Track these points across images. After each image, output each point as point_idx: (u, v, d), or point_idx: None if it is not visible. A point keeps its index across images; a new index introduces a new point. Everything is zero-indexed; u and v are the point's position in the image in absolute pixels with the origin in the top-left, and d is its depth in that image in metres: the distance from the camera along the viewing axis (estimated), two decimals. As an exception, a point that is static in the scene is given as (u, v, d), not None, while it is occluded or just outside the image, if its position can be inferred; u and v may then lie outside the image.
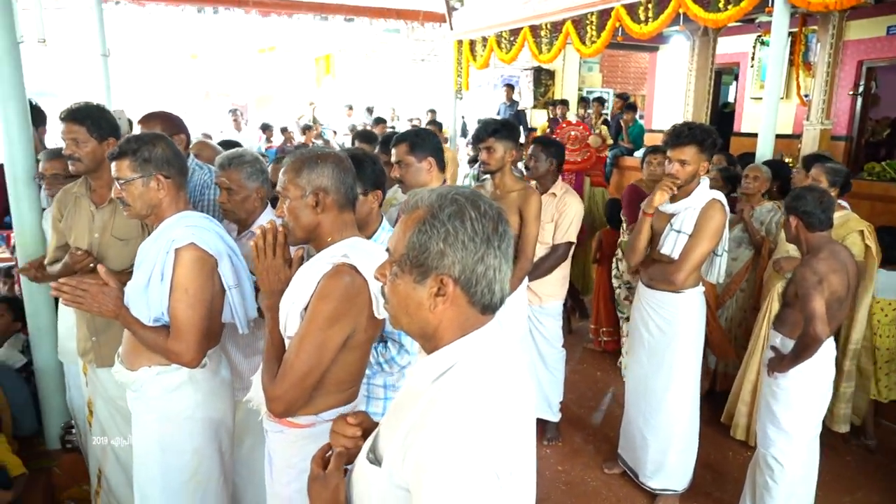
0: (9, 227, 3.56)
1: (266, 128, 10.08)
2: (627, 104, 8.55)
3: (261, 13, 8.12)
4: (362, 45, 12.36)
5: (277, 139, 10.09)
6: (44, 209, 2.89)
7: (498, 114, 9.90)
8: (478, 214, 1.06)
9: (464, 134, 10.72)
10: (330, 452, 1.31)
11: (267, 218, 2.45)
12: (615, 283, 4.58)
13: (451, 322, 1.09)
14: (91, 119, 2.29)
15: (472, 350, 1.08)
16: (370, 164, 2.07)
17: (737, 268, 3.92)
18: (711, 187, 2.89)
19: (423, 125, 8.71)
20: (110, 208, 2.32)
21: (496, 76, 12.80)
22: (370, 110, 13.40)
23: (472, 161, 8.21)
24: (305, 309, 1.58)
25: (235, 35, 11.39)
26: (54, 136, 3.87)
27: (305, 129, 10.16)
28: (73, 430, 3.10)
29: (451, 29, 8.46)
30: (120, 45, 8.12)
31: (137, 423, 2.05)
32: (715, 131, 2.83)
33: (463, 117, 10.81)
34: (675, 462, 3.06)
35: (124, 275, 2.04)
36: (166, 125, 2.71)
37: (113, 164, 1.87)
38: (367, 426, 1.35)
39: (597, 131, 6.99)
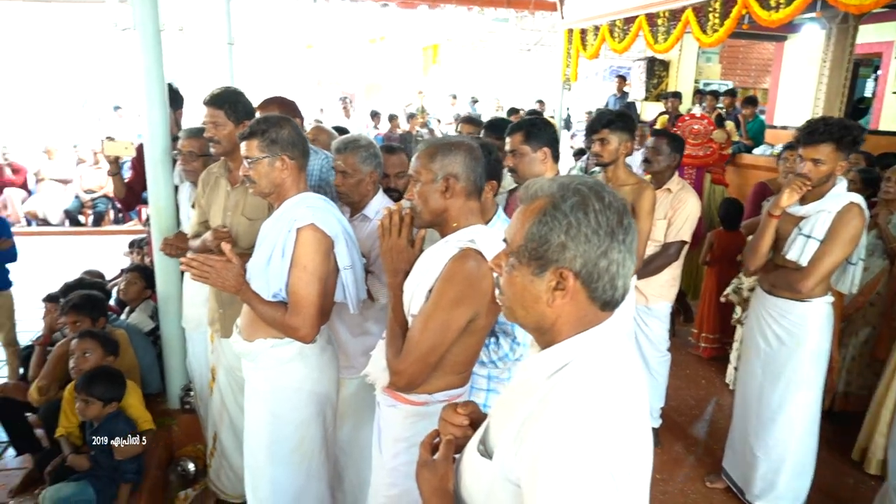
0: (144, 202, 3.87)
1: (375, 115, 10.35)
2: (747, 98, 8.01)
3: (375, 1, 8.28)
4: (470, 35, 12.36)
5: (384, 126, 10.33)
6: (176, 186, 3.10)
7: (606, 105, 9.59)
8: (602, 206, 1.02)
9: (567, 126, 10.49)
10: (438, 439, 1.32)
11: (378, 202, 2.51)
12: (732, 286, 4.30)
13: (568, 317, 1.06)
14: (229, 103, 2.45)
15: (591, 347, 1.05)
16: (486, 153, 2.07)
17: (867, 279, 3.57)
18: (849, 190, 2.64)
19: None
20: (243, 189, 2.46)
21: (603, 67, 12.41)
22: (474, 100, 13.43)
23: (578, 154, 8.01)
24: (431, 290, 1.64)
25: (348, 25, 11.73)
26: (189, 119, 4.15)
27: (410, 117, 10.34)
28: (191, 393, 3.33)
29: (562, 18, 8.27)
30: (244, 35, 8.57)
31: (250, 392, 2.18)
32: (858, 127, 2.57)
33: (567, 109, 10.57)
34: (788, 483, 2.85)
35: (246, 254, 2.16)
36: (283, 110, 2.83)
37: (243, 144, 1.98)
38: (476, 417, 1.35)
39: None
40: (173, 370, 3.32)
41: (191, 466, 3.13)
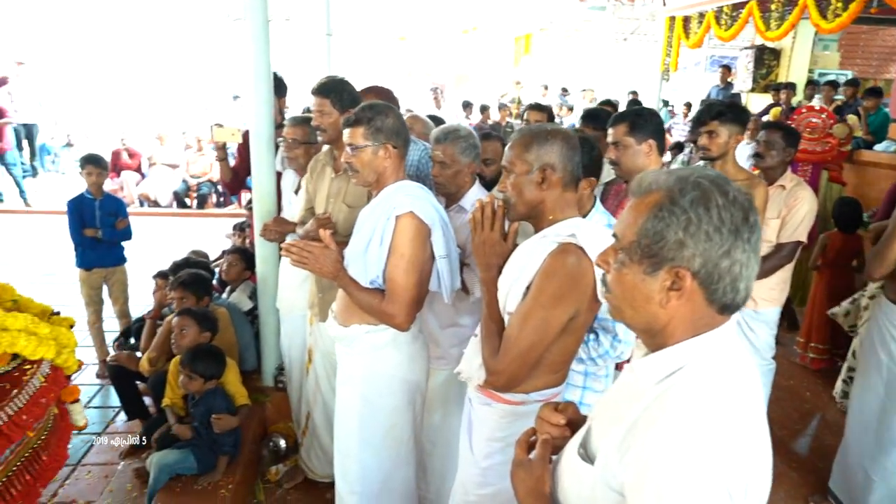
0: (247, 187, 4.04)
1: (466, 105, 10.33)
2: (870, 88, 7.36)
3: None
4: (565, 24, 12.09)
5: (476, 117, 10.30)
6: (279, 173, 3.21)
7: (708, 96, 9.13)
8: (726, 201, 0.94)
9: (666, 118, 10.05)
10: (534, 438, 1.28)
11: (475, 193, 2.48)
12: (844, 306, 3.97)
13: (682, 319, 0.99)
14: (335, 92, 2.49)
15: (707, 352, 0.97)
16: (588, 150, 1.99)
17: None
18: None
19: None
20: (346, 176, 2.49)
21: (703, 56, 11.80)
22: (565, 90, 13.15)
23: (675, 148, 7.67)
24: (529, 287, 1.59)
25: (441, 16, 11.78)
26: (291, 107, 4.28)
27: (501, 108, 10.24)
28: (284, 372, 3.45)
29: (664, 4, 7.93)
30: (342, 26, 8.79)
31: (343, 376, 2.21)
32: None
33: (668, 103, 10.12)
34: (908, 512, 2.60)
35: (343, 241, 2.19)
36: (380, 98, 2.83)
37: (346, 132, 1.99)
38: (575, 419, 1.30)
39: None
40: (269, 349, 3.46)
41: (282, 443, 3.25)
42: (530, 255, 1.61)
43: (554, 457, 1.25)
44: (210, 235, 6.80)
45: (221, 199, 9.25)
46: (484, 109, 10.37)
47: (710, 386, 0.94)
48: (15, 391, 1.58)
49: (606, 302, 1.11)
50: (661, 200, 0.97)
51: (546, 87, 12.91)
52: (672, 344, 1.00)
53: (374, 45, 13.20)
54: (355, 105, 2.51)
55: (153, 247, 6.05)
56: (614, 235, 1.07)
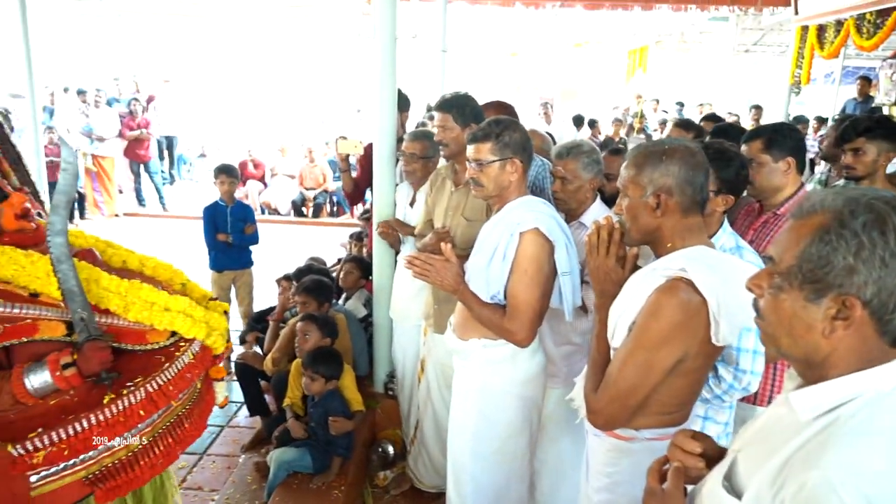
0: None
1: (579, 121, 10.19)
2: None
3: (586, 7, 8.14)
4: (683, 36, 11.66)
5: (585, 132, 10.14)
6: (396, 184, 3.30)
7: (843, 111, 8.44)
8: None
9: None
10: (667, 466, 1.22)
11: (596, 210, 2.43)
12: None
13: (848, 351, 0.91)
14: (457, 107, 2.53)
15: (877, 388, 0.89)
16: (736, 165, 1.89)
17: None
18: None
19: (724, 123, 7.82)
20: (465, 190, 2.52)
21: (835, 67, 10.94)
22: (681, 105, 12.65)
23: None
24: (634, 323, 1.47)
25: (554, 31, 11.73)
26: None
27: (615, 122, 10.00)
28: (394, 379, 3.53)
29: (796, 13, 7.42)
30: (456, 43, 8.98)
31: (459, 389, 2.22)
32: None
33: (800, 117, 9.45)
34: None
35: (463, 255, 2.21)
36: (501, 113, 2.85)
37: (473, 146, 2.00)
38: (711, 452, 1.22)
39: None
40: (381, 356, 3.55)
41: (390, 449, 3.31)
42: (637, 290, 1.48)
43: (688, 487, 1.19)
44: (324, 243, 7.13)
45: (335, 209, 9.68)
46: (593, 125, 10.17)
47: (881, 427, 0.86)
48: (167, 364, 1.74)
49: (759, 328, 1.04)
50: (827, 223, 0.91)
51: (657, 101, 12.48)
52: (834, 376, 0.92)
53: (485, 60, 13.36)
54: (478, 120, 2.53)
55: (272, 252, 6.42)
56: (770, 258, 1.01)
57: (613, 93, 14.74)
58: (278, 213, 9.41)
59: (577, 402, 1.81)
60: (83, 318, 1.63)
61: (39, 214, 1.87)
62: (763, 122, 8.43)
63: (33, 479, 1.51)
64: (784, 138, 2.25)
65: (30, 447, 1.49)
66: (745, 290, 1.05)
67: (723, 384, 1.83)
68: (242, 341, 3.95)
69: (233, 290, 4.49)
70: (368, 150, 3.50)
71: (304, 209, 9.47)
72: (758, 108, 9.71)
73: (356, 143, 3.51)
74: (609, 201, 2.71)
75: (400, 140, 3.29)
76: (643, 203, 1.49)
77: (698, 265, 1.41)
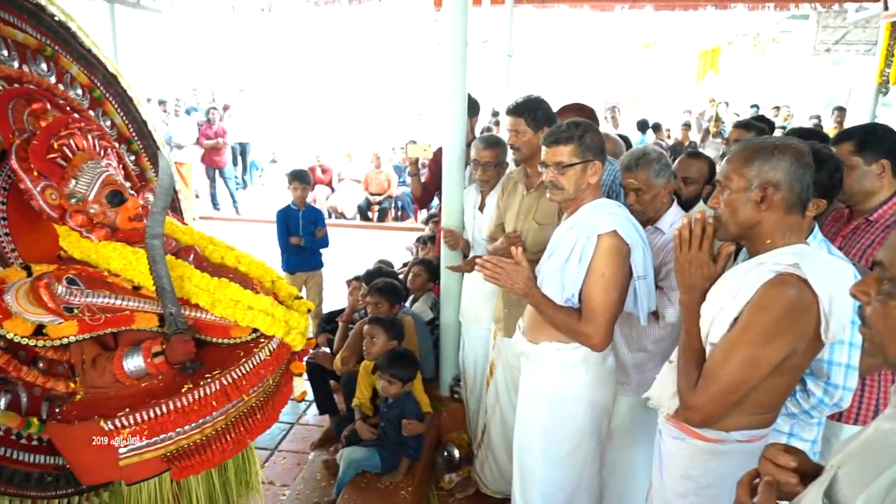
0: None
1: (644, 125, 9.97)
2: None
3: (657, 8, 7.95)
4: (759, 36, 11.20)
5: (652, 136, 9.91)
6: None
7: (937, 113, 7.91)
8: None
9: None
10: (757, 480, 1.18)
11: (673, 214, 2.37)
12: None
13: None
14: (529, 111, 2.53)
15: None
16: (830, 168, 1.81)
17: None
18: None
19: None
20: (537, 194, 2.52)
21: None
22: (755, 107, 12.16)
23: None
24: (737, 318, 1.46)
25: (622, 32, 11.51)
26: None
27: (685, 126, 9.72)
28: (460, 383, 3.54)
29: (886, 8, 7.02)
30: (523, 47, 8.96)
31: (528, 393, 2.21)
32: None
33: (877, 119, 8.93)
34: None
35: (533, 258, 2.19)
36: (582, 115, 2.82)
37: (552, 149, 1.98)
38: (805, 468, 1.17)
39: None
40: (447, 359, 3.56)
41: (455, 452, 3.32)
42: (742, 283, 1.48)
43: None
44: (389, 246, 7.23)
45: (399, 213, 9.81)
46: (658, 128, 9.92)
47: None
48: (244, 359, 1.87)
49: (865, 338, 0.99)
50: None
51: (727, 104, 12.04)
52: None
53: (549, 64, 13.24)
54: (550, 123, 2.52)
55: (339, 255, 6.57)
56: (879, 263, 0.96)
57: (682, 96, 14.34)
58: (344, 217, 9.62)
59: (654, 400, 1.79)
60: (172, 313, 1.80)
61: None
62: (846, 125, 7.99)
63: (122, 450, 1.71)
64: (878, 140, 2.13)
65: (117, 424, 1.68)
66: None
67: (812, 399, 1.74)
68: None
69: (303, 290, 4.61)
70: (438, 154, 3.53)
71: (369, 213, 9.64)
72: (841, 111, 9.23)
73: (425, 146, 3.54)
74: (685, 206, 2.63)
75: (468, 145, 3.31)
76: (746, 197, 1.50)
77: (809, 262, 1.41)
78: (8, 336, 1.63)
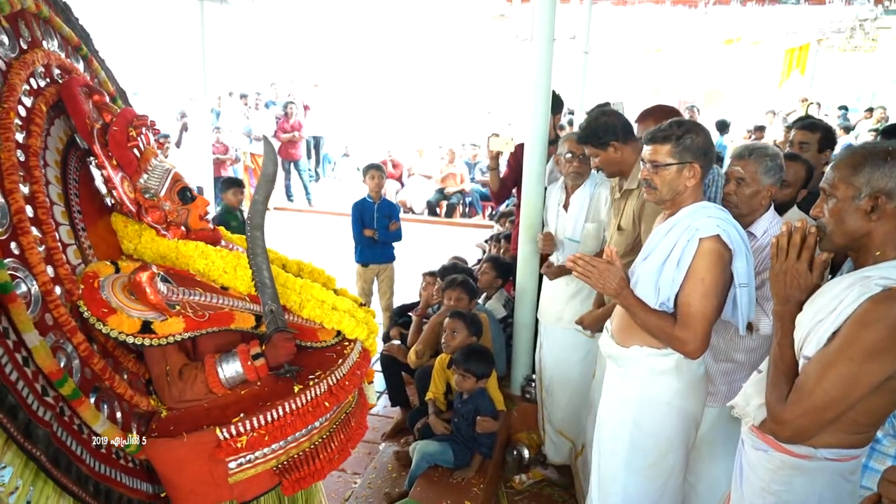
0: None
1: (723, 126, 9.60)
2: None
3: (744, 3, 7.61)
4: (853, 32, 10.54)
5: (732, 138, 9.52)
6: (545, 187, 3.28)
7: None
8: None
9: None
10: (880, 505, 1.11)
11: (768, 219, 2.26)
12: None
13: None
14: (590, 137, 2.52)
15: None
16: None
17: None
18: None
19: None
20: (623, 199, 2.50)
21: None
22: (844, 109, 11.52)
23: None
24: (836, 332, 1.39)
25: (701, 28, 11.07)
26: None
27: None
28: (533, 384, 3.50)
29: None
30: (599, 43, 8.77)
31: (613, 396, 2.14)
32: None
33: None
34: None
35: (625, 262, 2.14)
36: (664, 118, 2.74)
37: (650, 147, 1.93)
38: None
39: None
40: (520, 359, 3.54)
41: (525, 452, 3.29)
42: (844, 297, 1.40)
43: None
44: (457, 242, 7.25)
45: (467, 209, 9.83)
46: (724, 127, 9.55)
47: None
48: (340, 360, 1.81)
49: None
50: None
51: (818, 105, 11.41)
52: None
53: (622, 60, 12.89)
54: (615, 134, 2.49)
55: (408, 249, 6.64)
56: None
57: (763, 95, 13.71)
58: (413, 212, 9.71)
59: (739, 409, 1.72)
60: (272, 310, 1.70)
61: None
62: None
63: (232, 465, 1.59)
64: None
65: (234, 431, 1.55)
66: None
67: None
68: (386, 338, 4.10)
69: (375, 283, 4.68)
70: (518, 150, 3.50)
71: (437, 209, 9.70)
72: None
73: (507, 140, 3.52)
74: (778, 210, 2.51)
75: (552, 142, 3.26)
76: (854, 206, 1.42)
77: None
78: (112, 335, 1.47)
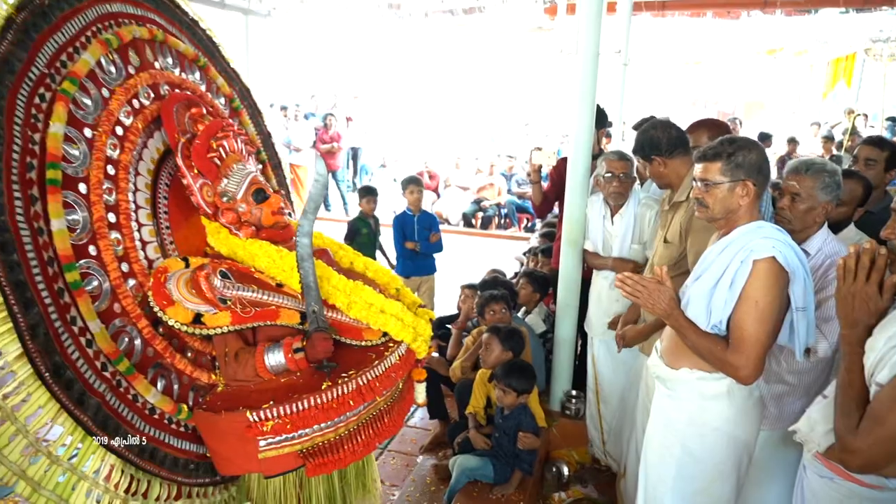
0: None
1: (765, 137, 9.39)
2: None
3: (788, 13, 7.45)
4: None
5: (777, 150, 9.32)
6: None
7: None
8: None
9: None
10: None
11: (822, 238, 2.20)
12: None
13: None
14: (639, 153, 2.53)
15: None
16: None
17: None
18: None
19: None
20: (671, 211, 2.46)
21: None
22: (893, 121, 11.12)
23: None
24: None
25: (743, 39, 10.87)
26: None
27: (826, 140, 9.10)
28: (574, 400, 3.46)
29: None
30: (637, 54, 8.67)
31: (661, 419, 2.10)
32: None
33: None
34: None
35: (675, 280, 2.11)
36: (713, 133, 2.71)
37: (701, 165, 1.90)
38: None
39: None
40: (560, 374, 3.50)
41: (565, 469, 3.25)
42: None
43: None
44: (493, 254, 7.23)
45: (503, 221, 9.81)
46: (791, 142, 9.32)
47: None
48: (377, 362, 1.93)
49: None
50: None
51: (865, 116, 11.05)
52: None
53: (660, 71, 12.71)
54: (659, 147, 2.47)
55: (444, 261, 6.66)
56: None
57: (806, 107, 13.36)
58: (449, 224, 9.73)
59: (802, 434, 1.69)
60: (315, 311, 1.85)
61: (290, 214, 2.13)
62: None
63: (262, 444, 1.77)
64: None
65: (262, 416, 1.75)
66: None
67: None
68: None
69: (416, 295, 4.69)
70: (561, 164, 3.49)
71: (473, 220, 9.70)
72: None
73: (550, 153, 3.52)
74: (833, 228, 2.44)
75: (595, 157, 3.24)
76: None
77: None
78: (169, 323, 1.73)
